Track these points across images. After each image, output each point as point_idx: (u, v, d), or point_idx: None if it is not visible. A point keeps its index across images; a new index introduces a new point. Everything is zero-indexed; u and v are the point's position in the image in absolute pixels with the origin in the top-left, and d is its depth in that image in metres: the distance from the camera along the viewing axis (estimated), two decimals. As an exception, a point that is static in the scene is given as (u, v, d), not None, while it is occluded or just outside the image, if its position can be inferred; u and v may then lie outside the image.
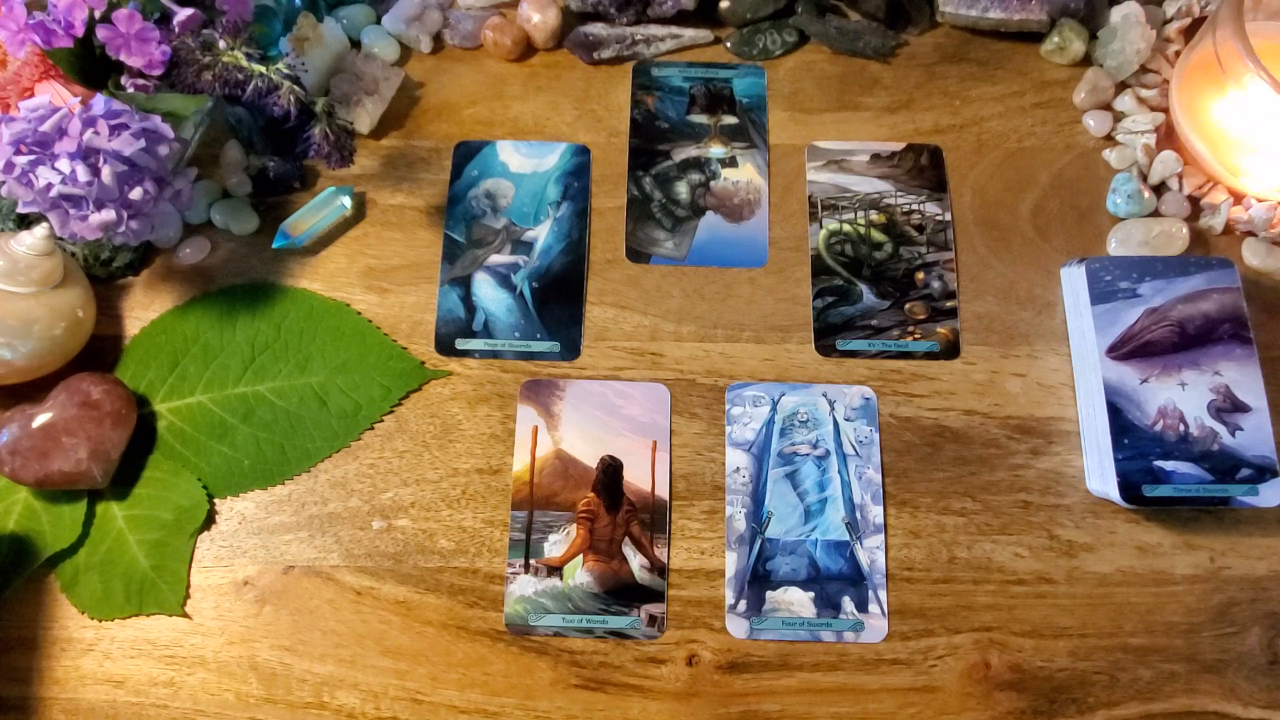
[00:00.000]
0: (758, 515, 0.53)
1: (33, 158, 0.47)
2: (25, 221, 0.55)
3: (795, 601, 0.51)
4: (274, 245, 0.57)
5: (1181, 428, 0.50)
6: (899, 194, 0.60)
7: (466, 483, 0.54)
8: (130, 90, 0.51)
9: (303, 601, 0.51)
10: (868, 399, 0.55)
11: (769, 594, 0.51)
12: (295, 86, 0.50)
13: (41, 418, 0.50)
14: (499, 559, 0.52)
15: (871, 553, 0.52)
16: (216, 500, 0.53)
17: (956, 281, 0.58)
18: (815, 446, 0.54)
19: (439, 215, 0.59)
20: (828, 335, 0.56)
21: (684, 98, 0.62)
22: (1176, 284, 0.53)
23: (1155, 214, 0.59)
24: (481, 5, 0.64)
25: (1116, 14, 0.61)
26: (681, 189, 0.60)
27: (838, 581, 0.51)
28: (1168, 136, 0.60)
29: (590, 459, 0.54)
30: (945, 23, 0.64)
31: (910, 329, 0.56)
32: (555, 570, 0.52)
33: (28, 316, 0.50)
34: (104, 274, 0.57)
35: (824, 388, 0.55)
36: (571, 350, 0.56)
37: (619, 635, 0.51)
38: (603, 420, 0.55)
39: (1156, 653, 0.50)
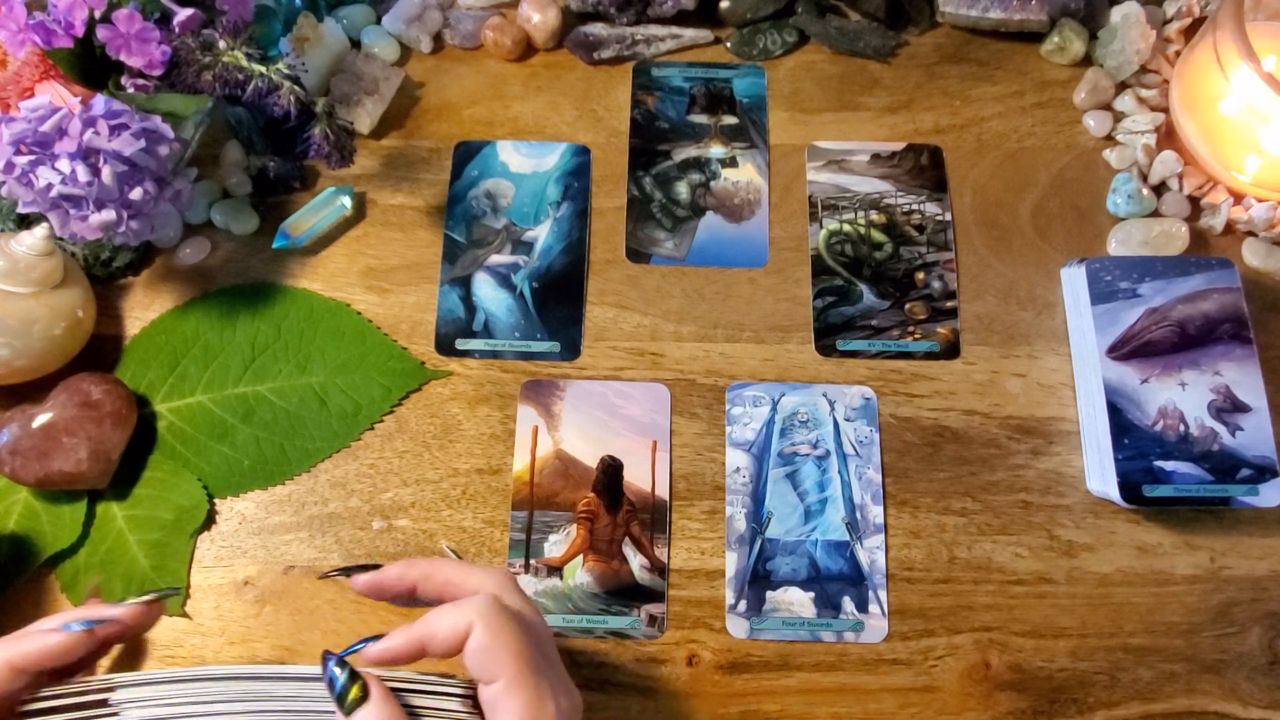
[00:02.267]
0: (758, 515, 0.53)
1: (33, 158, 0.47)
2: (25, 221, 0.55)
3: (795, 601, 0.51)
4: (274, 245, 0.57)
5: (1181, 428, 0.50)
6: (899, 194, 0.60)
7: (466, 483, 0.54)
8: (130, 90, 0.51)
9: (303, 601, 0.51)
10: (868, 399, 0.55)
11: (769, 594, 0.51)
12: (295, 86, 0.50)
13: (41, 418, 0.50)
14: (499, 559, 0.52)
15: (871, 553, 0.52)
16: (216, 500, 0.53)
17: (956, 281, 0.58)
18: (815, 446, 0.54)
19: (439, 215, 0.59)
20: (828, 335, 0.56)
21: (684, 98, 0.62)
22: (1176, 284, 0.53)
23: (1155, 214, 0.59)
24: (481, 5, 0.64)
25: (1116, 14, 0.61)
26: (681, 189, 0.60)
27: (838, 581, 0.51)
28: (1168, 136, 0.60)
29: (590, 459, 0.54)
30: (945, 23, 0.64)
31: (910, 329, 0.56)
32: (555, 570, 0.52)
33: (28, 316, 0.50)
34: (104, 274, 0.57)
35: (824, 388, 0.55)
36: (571, 350, 0.56)
37: (619, 635, 0.51)
38: (603, 420, 0.55)
39: (1156, 653, 0.50)
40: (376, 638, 0.37)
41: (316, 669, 0.36)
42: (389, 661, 0.37)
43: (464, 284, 0.58)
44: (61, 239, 0.53)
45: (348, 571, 0.41)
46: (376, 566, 0.41)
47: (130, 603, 0.40)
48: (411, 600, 0.41)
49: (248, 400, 0.54)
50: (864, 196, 0.60)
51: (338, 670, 0.35)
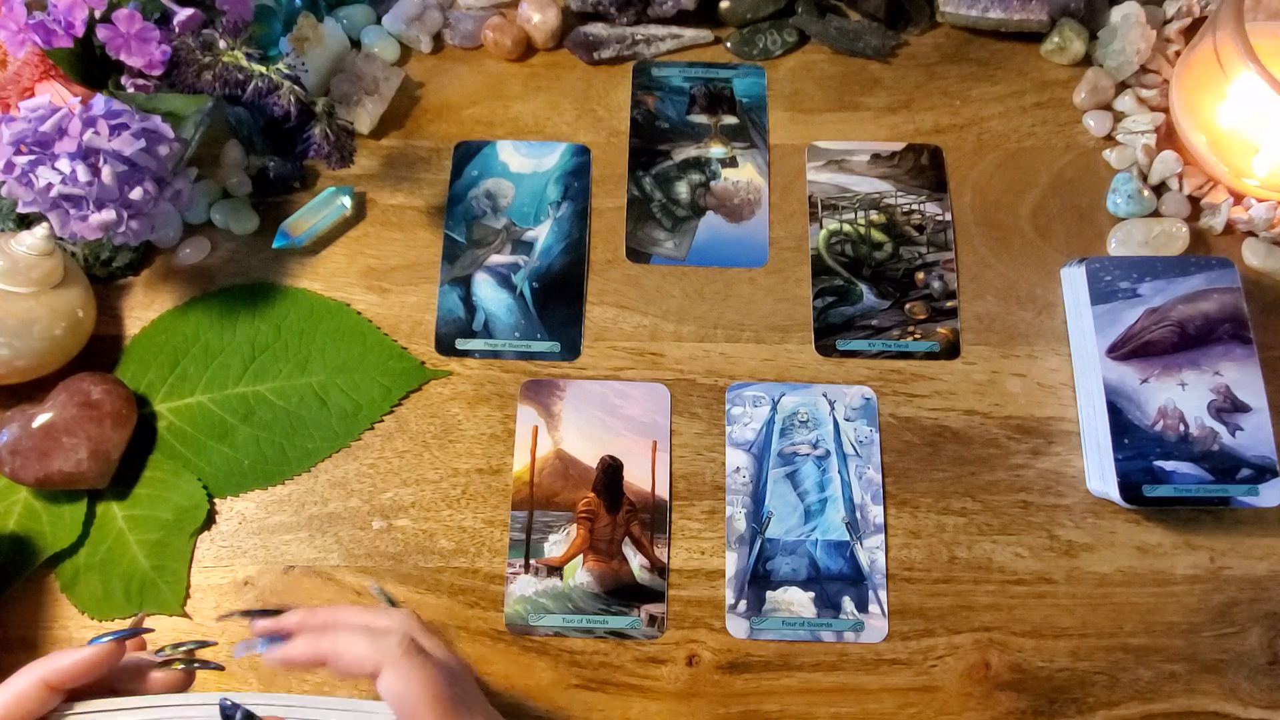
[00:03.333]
0: (758, 515, 0.53)
1: (33, 158, 0.47)
2: (25, 221, 0.55)
3: (795, 601, 0.51)
4: (274, 245, 0.57)
5: (1181, 428, 0.50)
6: (899, 194, 0.60)
7: (466, 483, 0.54)
8: (130, 90, 0.51)
9: (303, 601, 0.51)
10: (868, 399, 0.55)
11: (769, 594, 0.51)
12: (295, 86, 0.50)
13: (41, 418, 0.50)
14: (499, 559, 0.52)
15: (871, 553, 0.52)
16: (216, 500, 0.53)
17: (956, 281, 0.58)
18: (815, 446, 0.54)
19: (439, 215, 0.59)
20: (828, 335, 0.56)
21: (684, 98, 0.62)
22: (1176, 284, 0.53)
23: (1155, 214, 0.59)
24: (481, 5, 0.64)
25: (1116, 14, 0.61)
26: (681, 189, 0.60)
27: (838, 581, 0.51)
28: (1168, 136, 0.60)
29: (590, 459, 0.54)
30: (945, 23, 0.64)
31: (910, 329, 0.56)
32: (555, 570, 0.52)
33: (28, 316, 0.50)
34: (104, 274, 0.57)
35: (824, 388, 0.55)
36: (571, 350, 0.56)
37: (619, 635, 0.51)
38: (603, 420, 0.55)
39: (1156, 653, 0.50)
40: (284, 639, 0.38)
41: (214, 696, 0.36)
42: (287, 666, 0.38)
43: (464, 284, 0.58)
44: (61, 239, 0.53)
45: (249, 615, 0.41)
46: (277, 612, 0.40)
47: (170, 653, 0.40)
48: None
49: (248, 400, 0.54)
50: (864, 196, 0.60)
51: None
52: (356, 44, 0.63)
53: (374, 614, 0.40)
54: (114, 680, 0.39)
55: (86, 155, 0.47)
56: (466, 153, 0.61)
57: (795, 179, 0.60)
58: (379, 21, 0.64)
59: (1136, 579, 0.52)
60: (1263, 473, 0.49)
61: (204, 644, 0.41)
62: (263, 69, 0.50)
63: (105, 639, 0.38)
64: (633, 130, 0.62)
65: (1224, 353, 0.51)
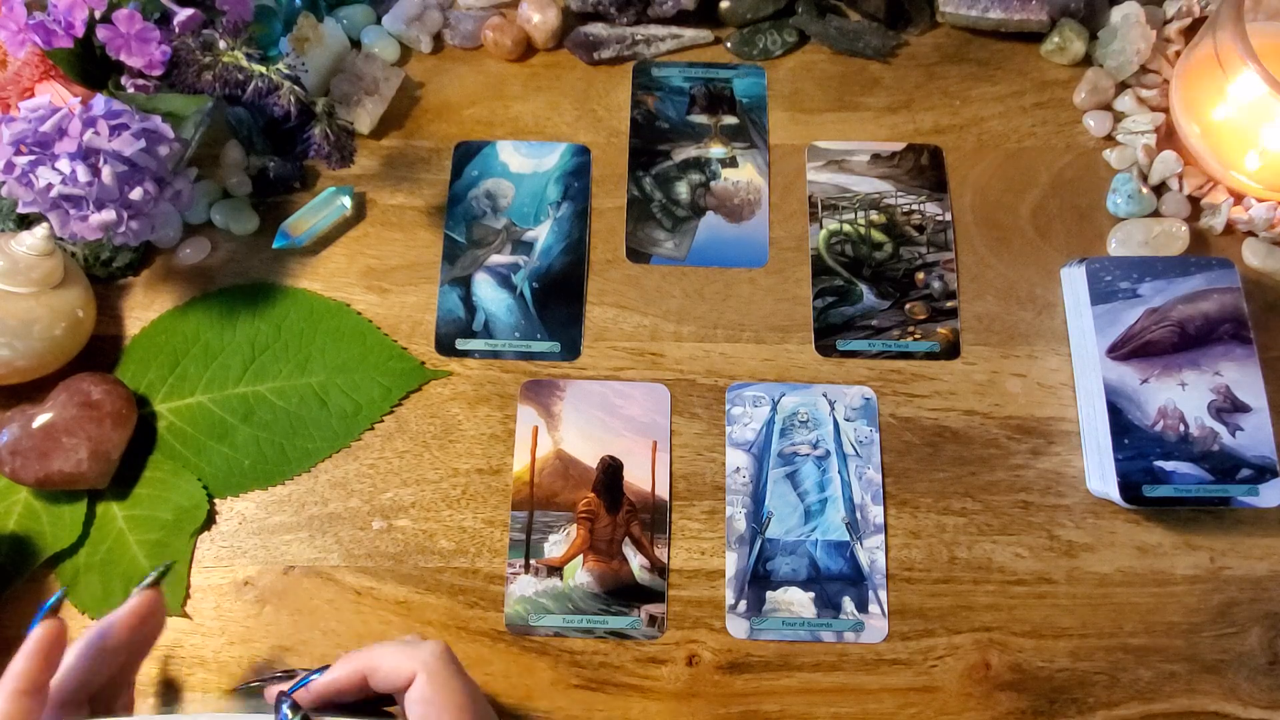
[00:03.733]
0: (758, 515, 0.53)
1: (33, 158, 0.47)
2: (25, 221, 0.55)
3: (795, 602, 0.51)
4: (274, 245, 0.57)
5: (1181, 428, 0.50)
6: (899, 194, 0.60)
7: (466, 483, 0.54)
8: (130, 90, 0.51)
9: (303, 602, 0.51)
10: (868, 399, 0.55)
11: (769, 594, 0.51)
12: (295, 86, 0.50)
13: (41, 418, 0.50)
14: (499, 559, 0.52)
15: (871, 553, 0.52)
16: (216, 500, 0.53)
17: (956, 281, 0.58)
18: (815, 447, 0.54)
19: (439, 215, 0.59)
20: (828, 335, 0.56)
21: (684, 98, 0.62)
22: (1176, 284, 0.53)
23: (1155, 214, 0.59)
24: (481, 5, 0.64)
25: (1116, 14, 0.61)
26: (681, 189, 0.60)
27: (838, 581, 0.51)
28: (1168, 136, 0.60)
29: (590, 459, 0.54)
30: (945, 23, 0.64)
31: (910, 329, 0.56)
32: (555, 570, 0.52)
33: (28, 316, 0.50)
34: (104, 274, 0.57)
35: (824, 388, 0.55)
36: (571, 350, 0.56)
37: (619, 635, 0.51)
38: (603, 420, 0.55)
39: (1156, 653, 0.50)
40: (321, 670, 0.38)
41: (264, 716, 0.36)
42: (334, 694, 0.37)
43: (464, 284, 0.58)
44: (61, 239, 0.53)
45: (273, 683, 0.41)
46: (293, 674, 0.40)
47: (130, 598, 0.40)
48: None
49: (248, 400, 0.54)
50: (864, 196, 0.60)
51: (290, 714, 0.35)
52: (356, 44, 0.63)
53: (404, 638, 0.40)
54: (98, 674, 0.39)
55: (86, 155, 0.47)
56: (466, 153, 0.61)
57: (795, 179, 0.60)
58: (379, 21, 0.64)
59: (1136, 579, 0.52)
60: (1263, 473, 0.49)
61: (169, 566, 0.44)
62: (263, 69, 0.50)
63: (36, 621, 0.38)
64: (633, 130, 0.62)
65: (1224, 353, 0.51)
